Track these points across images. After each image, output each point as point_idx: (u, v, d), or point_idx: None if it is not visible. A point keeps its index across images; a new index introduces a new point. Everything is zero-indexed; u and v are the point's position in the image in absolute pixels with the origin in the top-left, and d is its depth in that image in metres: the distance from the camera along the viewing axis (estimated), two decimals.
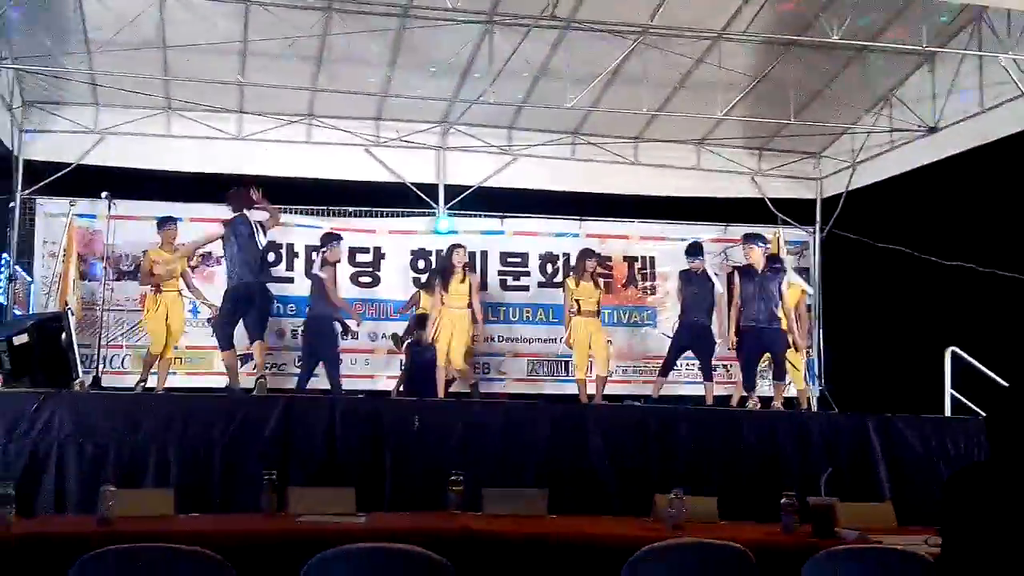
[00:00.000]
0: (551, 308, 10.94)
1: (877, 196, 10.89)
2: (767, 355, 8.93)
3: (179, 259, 8.89)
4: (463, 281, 8.89)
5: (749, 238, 8.91)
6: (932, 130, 9.91)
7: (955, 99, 9.60)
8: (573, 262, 9.87)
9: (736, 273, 8.78)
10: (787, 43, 9.30)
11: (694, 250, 9.33)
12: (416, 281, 10.48)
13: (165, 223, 8.95)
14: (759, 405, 8.64)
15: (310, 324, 9.07)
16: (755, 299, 8.51)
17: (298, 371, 9.36)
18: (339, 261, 9.32)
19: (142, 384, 8.63)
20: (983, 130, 9.36)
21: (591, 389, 9.20)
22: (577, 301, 9.07)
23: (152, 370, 8.79)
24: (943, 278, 10.09)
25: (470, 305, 8.98)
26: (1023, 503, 3.00)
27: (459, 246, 9.14)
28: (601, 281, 9.41)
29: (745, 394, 8.88)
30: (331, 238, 9.20)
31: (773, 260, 9.06)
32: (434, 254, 10.57)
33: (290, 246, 10.50)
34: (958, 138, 9.66)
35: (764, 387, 9.27)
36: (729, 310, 9.11)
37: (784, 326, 8.71)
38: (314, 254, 9.95)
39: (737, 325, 8.76)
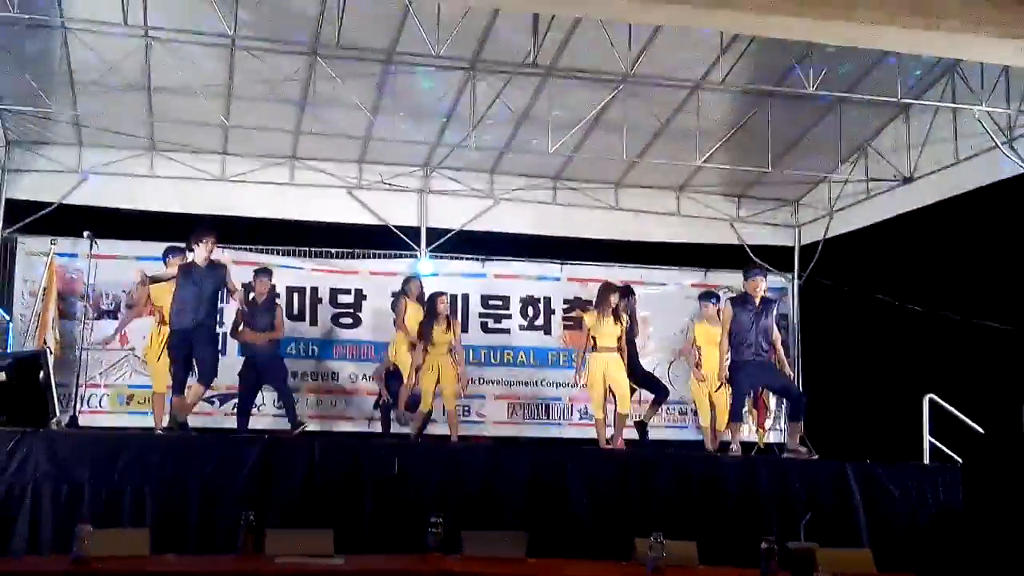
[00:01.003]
0: (532, 351, 10.97)
1: (854, 244, 11.04)
2: (767, 391, 8.72)
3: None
4: (447, 331, 8.79)
5: (752, 271, 8.60)
6: (907, 180, 10.09)
7: (930, 150, 9.79)
8: (594, 298, 8.95)
9: (730, 303, 8.41)
10: (765, 93, 9.48)
11: (708, 295, 9.24)
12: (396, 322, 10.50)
13: (170, 253, 8.62)
14: (738, 447, 8.39)
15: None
16: (752, 331, 8.16)
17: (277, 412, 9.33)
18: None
19: (166, 428, 7.97)
20: (957, 180, 9.53)
21: (610, 431, 8.61)
22: (593, 338, 8.51)
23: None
24: (920, 325, 10.20)
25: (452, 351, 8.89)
26: (999, 549, 3.03)
27: (441, 294, 8.97)
28: (625, 317, 8.77)
29: (727, 432, 8.55)
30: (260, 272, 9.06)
31: (765, 297, 8.92)
32: (392, 339, 10.38)
33: (272, 287, 10.47)
34: (933, 188, 9.83)
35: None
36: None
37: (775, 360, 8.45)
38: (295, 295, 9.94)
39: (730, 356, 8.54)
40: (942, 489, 7.23)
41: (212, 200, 10.50)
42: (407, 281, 9.47)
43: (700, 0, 6.24)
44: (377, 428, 9.81)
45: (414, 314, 9.09)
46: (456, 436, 8.74)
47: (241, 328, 8.76)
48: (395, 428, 9.37)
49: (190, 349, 7.87)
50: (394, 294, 9.67)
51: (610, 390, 8.48)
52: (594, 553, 6.27)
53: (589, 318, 8.58)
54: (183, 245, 8.50)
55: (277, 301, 9.19)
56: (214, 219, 10.40)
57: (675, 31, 8.36)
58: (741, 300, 8.33)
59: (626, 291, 9.20)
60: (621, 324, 8.58)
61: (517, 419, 10.79)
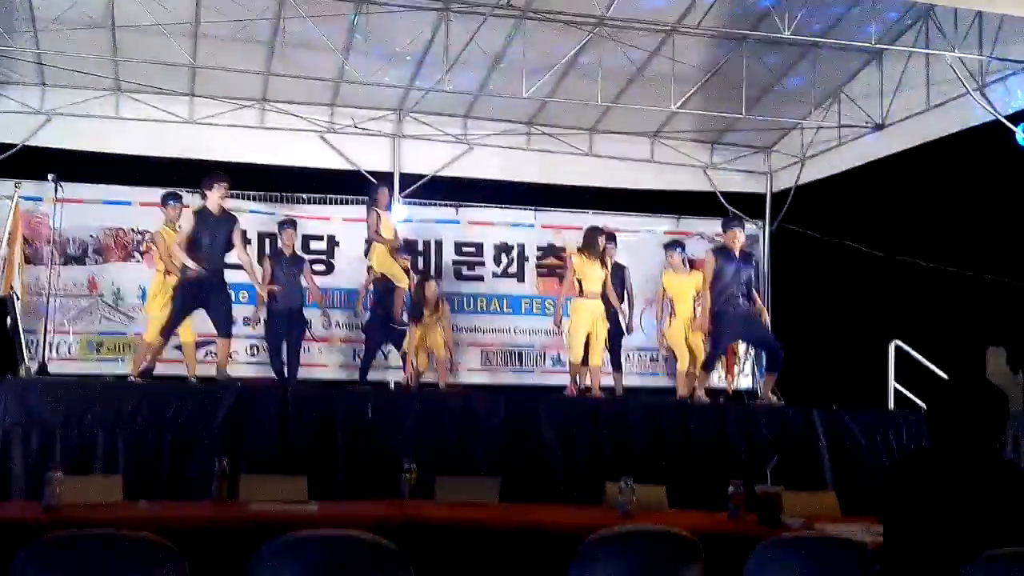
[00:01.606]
0: (505, 298, 10.98)
1: (825, 191, 11.09)
2: (743, 342, 8.76)
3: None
4: (435, 311, 8.81)
5: (731, 222, 8.61)
6: (879, 127, 10.10)
7: (902, 96, 9.79)
8: (571, 244, 9.22)
9: (713, 254, 8.34)
10: (739, 37, 9.42)
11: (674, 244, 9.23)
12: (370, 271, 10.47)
13: (171, 199, 8.41)
14: (703, 395, 8.34)
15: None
16: (734, 282, 8.13)
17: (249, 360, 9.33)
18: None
19: (143, 374, 7.79)
20: (929, 127, 9.55)
21: (588, 380, 8.61)
22: (579, 281, 8.39)
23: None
24: (888, 272, 10.32)
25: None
26: (960, 491, 3.10)
27: (430, 278, 9.07)
28: (609, 262, 8.74)
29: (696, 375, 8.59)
30: (285, 223, 9.15)
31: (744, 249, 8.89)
32: (371, 248, 10.42)
33: (242, 232, 10.36)
34: (905, 135, 9.85)
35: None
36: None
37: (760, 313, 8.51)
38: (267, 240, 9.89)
39: (712, 307, 8.57)
40: (906, 434, 7.41)
41: (180, 143, 10.33)
42: (376, 190, 9.25)
43: None
44: (352, 376, 9.83)
45: (386, 225, 9.08)
46: (444, 383, 8.83)
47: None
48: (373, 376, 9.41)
49: (200, 298, 7.69)
50: (367, 204, 9.40)
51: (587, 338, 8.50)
52: (566, 498, 6.37)
53: (578, 260, 8.48)
54: (181, 191, 8.40)
55: (301, 254, 9.29)
56: (182, 163, 10.27)
57: None
58: (723, 251, 8.31)
59: (610, 237, 9.23)
60: (607, 269, 8.55)
61: (490, 366, 10.84)
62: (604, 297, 8.60)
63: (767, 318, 8.78)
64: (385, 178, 10.78)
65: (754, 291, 8.52)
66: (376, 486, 5.89)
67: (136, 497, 5.01)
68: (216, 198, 7.83)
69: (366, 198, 9.87)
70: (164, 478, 6.20)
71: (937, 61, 9.15)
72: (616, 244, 9.36)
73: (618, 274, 9.14)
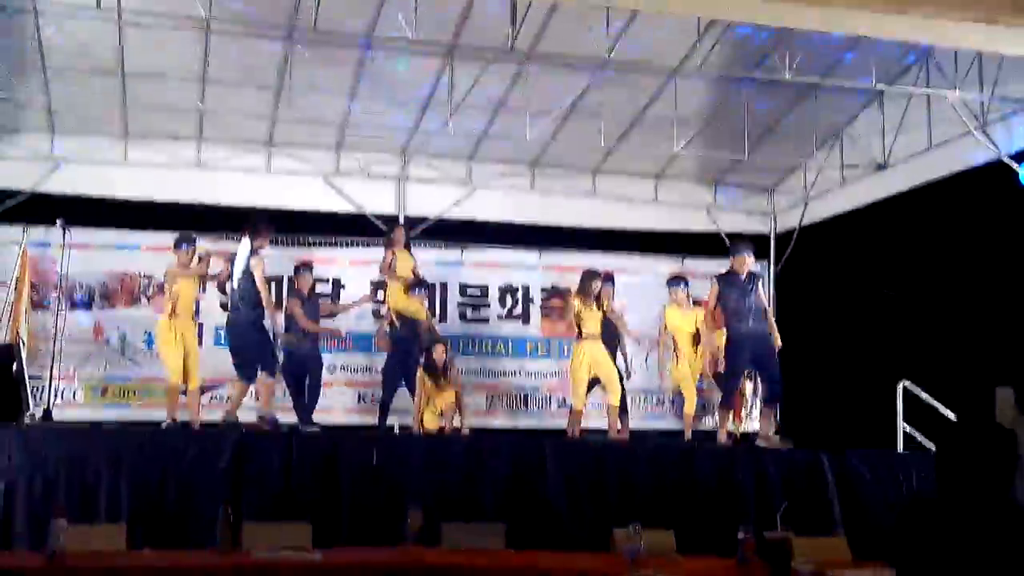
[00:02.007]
0: (510, 340, 10.96)
1: (830, 231, 11.09)
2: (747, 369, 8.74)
3: (195, 281, 8.42)
4: (443, 376, 8.82)
5: (739, 247, 8.61)
6: (881, 167, 10.14)
7: (904, 137, 9.84)
8: (575, 285, 9.06)
9: (716, 280, 8.35)
10: (741, 79, 9.49)
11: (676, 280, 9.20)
12: (375, 314, 10.50)
13: (184, 242, 8.44)
14: (726, 437, 8.33)
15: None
16: (744, 305, 8.13)
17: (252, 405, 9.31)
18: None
19: (171, 423, 7.92)
20: (931, 167, 9.59)
21: (597, 423, 8.72)
22: (579, 324, 8.48)
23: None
24: (894, 312, 10.28)
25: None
26: (971, 537, 3.06)
27: (437, 342, 8.96)
28: (606, 303, 8.80)
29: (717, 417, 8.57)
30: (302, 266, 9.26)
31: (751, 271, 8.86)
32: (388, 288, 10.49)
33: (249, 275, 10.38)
34: (907, 175, 9.89)
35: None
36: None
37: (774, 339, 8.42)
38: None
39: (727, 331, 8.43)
40: (916, 476, 7.34)
41: (187, 188, 10.38)
42: (392, 229, 9.56)
43: None
44: (356, 420, 9.80)
45: (402, 263, 9.21)
46: (464, 424, 8.83)
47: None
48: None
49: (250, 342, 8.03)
50: (384, 244, 9.66)
51: (598, 380, 8.49)
52: (573, 544, 6.30)
53: (576, 303, 8.53)
54: (194, 235, 8.52)
55: (316, 293, 9.36)
56: (189, 207, 10.34)
57: (652, 17, 8.35)
58: (727, 276, 8.32)
59: (607, 278, 9.25)
60: (603, 311, 8.58)
61: (495, 409, 10.79)
62: (606, 338, 8.59)
63: (777, 342, 8.51)
64: (390, 221, 10.83)
65: (767, 314, 8.46)
66: (381, 532, 5.85)
67: (140, 545, 4.99)
68: (262, 246, 8.25)
69: (371, 240, 9.97)
70: (168, 525, 6.16)
71: (938, 101, 9.21)
72: (614, 284, 9.36)
73: (608, 328, 8.95)
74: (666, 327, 9.08)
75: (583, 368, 8.42)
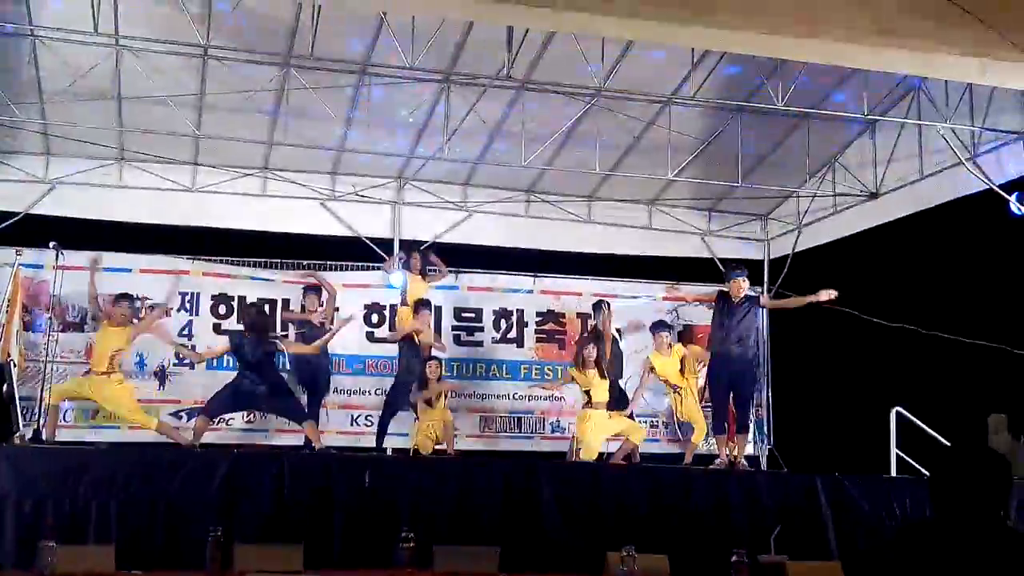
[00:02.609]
0: (504, 364, 10.95)
1: (822, 258, 11.15)
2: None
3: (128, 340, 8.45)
4: (438, 400, 8.85)
5: (733, 272, 8.76)
6: (873, 195, 10.22)
7: (895, 166, 9.92)
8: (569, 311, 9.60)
9: (719, 296, 8.56)
10: (734, 108, 9.58)
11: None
12: (370, 336, 10.52)
13: (124, 299, 8.53)
14: (725, 460, 8.45)
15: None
16: (736, 328, 8.30)
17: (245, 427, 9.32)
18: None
19: (193, 447, 7.96)
20: (922, 196, 9.67)
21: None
22: (587, 392, 8.55)
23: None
24: (887, 339, 10.32)
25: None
26: (966, 561, 3.06)
27: (434, 359, 9.06)
28: (608, 326, 8.95)
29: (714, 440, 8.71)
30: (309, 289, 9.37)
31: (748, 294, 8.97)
32: (388, 309, 10.54)
33: (242, 299, 10.40)
34: (899, 203, 9.97)
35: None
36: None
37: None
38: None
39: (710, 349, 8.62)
40: (909, 501, 7.34)
41: (182, 211, 10.41)
42: (409, 255, 9.74)
43: (671, 16, 6.29)
44: (349, 442, 9.76)
45: (415, 289, 9.38)
46: (452, 450, 8.77)
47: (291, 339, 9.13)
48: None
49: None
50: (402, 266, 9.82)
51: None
52: (567, 567, 6.28)
53: (578, 376, 8.61)
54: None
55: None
56: (183, 230, 10.35)
57: (647, 46, 8.43)
58: (720, 300, 8.42)
59: (596, 306, 9.34)
60: (606, 379, 8.61)
61: (489, 432, 10.76)
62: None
63: (752, 369, 8.73)
64: (385, 245, 10.86)
65: (753, 339, 8.58)
66: (373, 555, 5.81)
67: (129, 567, 4.95)
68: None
69: (366, 264, 10.00)
70: (158, 548, 6.12)
71: (929, 131, 9.30)
72: (610, 309, 9.42)
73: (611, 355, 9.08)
74: (653, 370, 9.13)
75: (595, 436, 8.44)
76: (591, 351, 8.59)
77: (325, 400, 9.63)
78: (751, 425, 8.49)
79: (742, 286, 8.46)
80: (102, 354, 8.22)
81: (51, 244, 8.98)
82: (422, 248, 10.04)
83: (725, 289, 8.69)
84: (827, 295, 8.38)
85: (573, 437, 8.70)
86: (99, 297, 8.75)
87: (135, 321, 8.62)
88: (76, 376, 9.12)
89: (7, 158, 10.07)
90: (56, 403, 8.27)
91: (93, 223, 10.24)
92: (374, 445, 9.27)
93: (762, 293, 9.53)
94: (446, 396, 8.94)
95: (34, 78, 8.83)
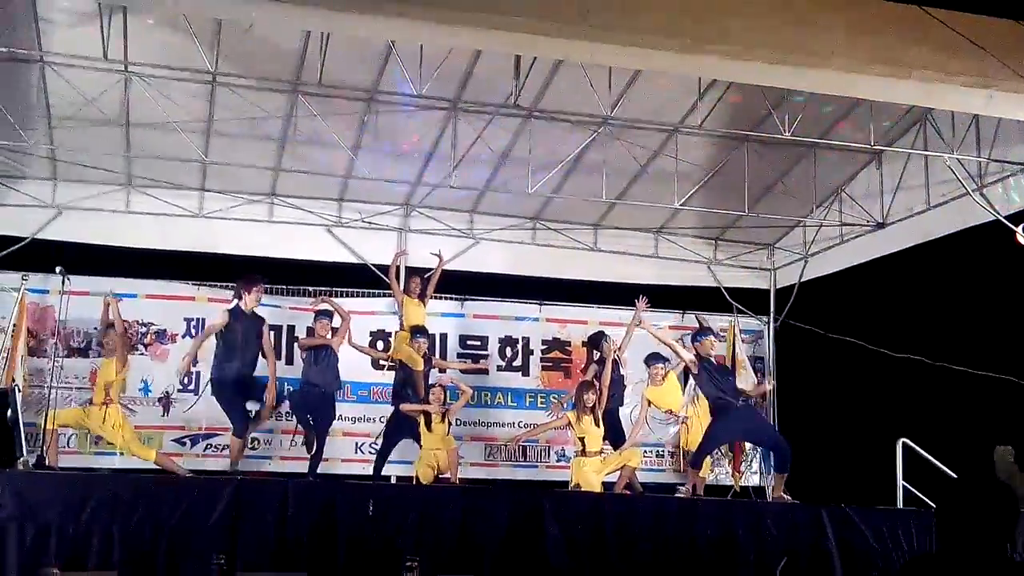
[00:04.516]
0: (509, 392, 10.92)
1: (829, 288, 11.14)
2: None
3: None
4: (442, 422, 8.76)
5: (701, 333, 8.91)
6: (880, 225, 10.21)
7: (902, 196, 9.92)
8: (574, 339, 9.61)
9: (698, 360, 8.55)
10: (741, 138, 9.60)
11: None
12: (375, 364, 10.49)
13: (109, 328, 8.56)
14: (690, 491, 8.53)
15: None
16: (723, 391, 8.32)
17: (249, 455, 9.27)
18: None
19: (189, 475, 7.97)
20: (929, 226, 9.66)
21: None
22: (581, 439, 8.43)
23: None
24: (894, 370, 10.27)
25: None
26: None
27: (436, 386, 8.96)
28: (611, 354, 8.94)
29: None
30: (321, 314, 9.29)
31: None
32: (394, 335, 10.53)
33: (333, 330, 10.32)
34: (905, 233, 9.96)
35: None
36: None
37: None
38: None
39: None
40: (916, 533, 7.27)
41: (189, 237, 10.43)
42: (409, 279, 9.78)
43: (679, 46, 6.34)
44: (353, 470, 9.72)
45: (412, 312, 9.40)
46: (456, 478, 8.68)
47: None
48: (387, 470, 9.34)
49: (240, 391, 8.09)
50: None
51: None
52: None
53: (574, 422, 8.49)
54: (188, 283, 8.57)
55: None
56: (190, 256, 10.37)
57: (654, 75, 8.47)
58: (701, 365, 8.46)
59: (598, 337, 9.32)
60: (601, 429, 8.51)
61: (494, 461, 10.71)
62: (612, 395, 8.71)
63: (762, 417, 8.78)
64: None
65: (753, 384, 8.59)
66: None
67: None
68: (253, 300, 8.15)
69: (372, 290, 10.00)
70: (160, 574, 6.07)
71: (936, 162, 9.30)
72: (608, 341, 9.37)
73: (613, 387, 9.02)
74: (650, 404, 9.10)
75: (592, 481, 8.27)
76: (590, 397, 8.46)
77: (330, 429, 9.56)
78: (786, 463, 8.40)
79: (715, 345, 8.53)
80: (98, 385, 8.33)
81: (57, 269, 8.97)
82: (426, 276, 10.02)
83: (699, 353, 8.63)
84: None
85: (569, 484, 8.59)
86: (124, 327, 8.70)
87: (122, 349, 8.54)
88: (78, 405, 9.10)
89: (15, 183, 10.10)
90: (55, 429, 8.25)
91: (100, 248, 10.26)
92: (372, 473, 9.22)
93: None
94: (450, 424, 8.87)
95: (43, 103, 8.90)
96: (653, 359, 9.21)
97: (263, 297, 8.53)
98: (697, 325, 10.38)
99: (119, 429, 8.24)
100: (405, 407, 8.91)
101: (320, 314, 9.23)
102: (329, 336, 9.09)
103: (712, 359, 8.61)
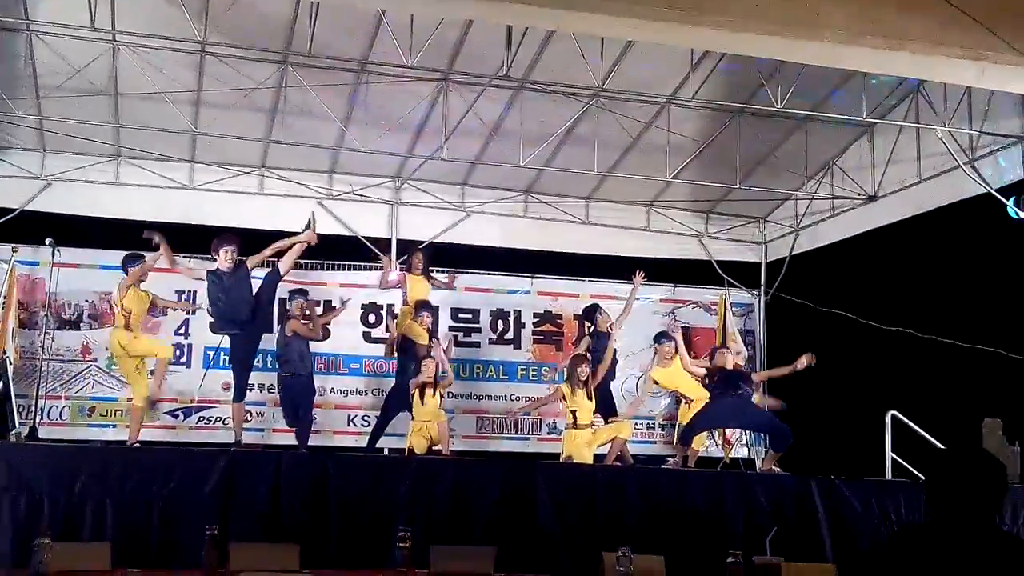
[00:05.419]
0: (501, 365, 10.95)
1: (819, 261, 11.16)
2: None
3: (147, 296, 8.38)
4: (434, 395, 8.67)
5: (661, 339, 9.10)
6: (872, 198, 10.22)
7: (894, 169, 9.93)
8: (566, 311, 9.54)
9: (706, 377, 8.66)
10: (733, 110, 9.58)
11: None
12: (366, 336, 10.49)
13: (133, 260, 8.34)
14: (679, 463, 8.64)
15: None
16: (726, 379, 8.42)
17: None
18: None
19: (137, 442, 7.91)
20: (920, 199, 9.67)
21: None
22: (573, 412, 8.39)
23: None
24: (884, 342, 10.32)
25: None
26: (959, 565, 3.06)
27: (429, 357, 8.82)
28: (606, 327, 8.99)
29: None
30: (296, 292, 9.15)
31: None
32: (385, 308, 10.54)
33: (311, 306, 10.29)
34: (897, 206, 9.97)
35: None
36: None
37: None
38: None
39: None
40: (904, 504, 7.35)
41: (179, 209, 10.37)
42: (411, 254, 9.72)
43: (671, 16, 6.29)
44: (345, 442, 9.74)
45: (416, 288, 9.36)
46: (448, 450, 8.65)
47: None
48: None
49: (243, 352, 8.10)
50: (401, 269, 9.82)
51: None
52: (563, 568, 6.28)
53: (567, 394, 8.46)
54: (142, 253, 8.39)
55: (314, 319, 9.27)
56: (180, 227, 10.31)
57: (646, 47, 8.43)
58: (716, 373, 8.52)
59: (592, 309, 9.32)
60: (592, 402, 8.49)
61: (486, 433, 10.75)
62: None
63: (762, 403, 8.89)
64: (382, 244, 10.83)
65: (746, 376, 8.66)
66: (369, 555, 5.81)
67: (125, 565, 4.93)
68: (224, 258, 8.08)
69: (363, 263, 9.95)
70: (153, 546, 6.11)
71: (928, 135, 9.31)
72: (602, 313, 9.42)
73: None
74: (656, 383, 9.11)
75: (583, 453, 8.26)
76: (583, 370, 8.43)
77: (318, 400, 9.51)
78: (785, 445, 8.47)
79: (728, 357, 8.56)
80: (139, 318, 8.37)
81: (47, 241, 8.96)
82: (422, 246, 9.97)
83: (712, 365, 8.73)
84: (807, 360, 8.50)
85: (561, 456, 8.61)
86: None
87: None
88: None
89: (3, 154, 10.03)
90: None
91: (89, 220, 10.20)
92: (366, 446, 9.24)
93: (753, 371, 9.88)
94: (442, 396, 8.88)
95: (30, 74, 8.81)
96: (661, 337, 9.20)
97: (256, 269, 8.46)
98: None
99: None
100: (415, 382, 8.84)
101: (296, 292, 9.09)
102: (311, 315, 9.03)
103: (727, 368, 8.54)
